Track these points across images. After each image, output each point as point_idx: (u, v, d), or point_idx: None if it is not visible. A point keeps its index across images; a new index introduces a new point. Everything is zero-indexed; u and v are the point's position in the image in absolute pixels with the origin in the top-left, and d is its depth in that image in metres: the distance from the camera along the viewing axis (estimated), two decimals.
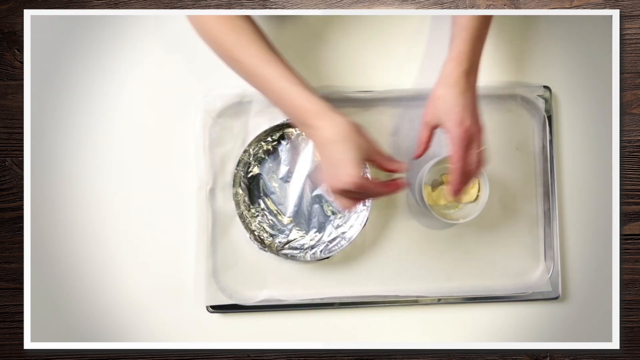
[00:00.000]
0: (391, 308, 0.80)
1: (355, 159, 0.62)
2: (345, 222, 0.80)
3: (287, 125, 0.79)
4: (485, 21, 0.69)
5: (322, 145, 0.64)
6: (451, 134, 0.67)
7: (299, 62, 0.80)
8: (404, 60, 0.81)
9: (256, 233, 0.79)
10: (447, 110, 0.67)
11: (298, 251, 0.79)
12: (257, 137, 0.78)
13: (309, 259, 0.78)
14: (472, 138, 0.66)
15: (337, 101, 0.78)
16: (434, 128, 0.71)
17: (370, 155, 0.65)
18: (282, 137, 0.80)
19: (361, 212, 0.78)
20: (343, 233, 0.79)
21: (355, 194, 0.64)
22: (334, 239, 0.79)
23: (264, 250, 0.78)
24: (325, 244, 0.79)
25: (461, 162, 0.67)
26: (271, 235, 0.80)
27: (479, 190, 0.77)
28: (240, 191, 0.79)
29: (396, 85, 0.80)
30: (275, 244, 0.79)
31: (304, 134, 0.78)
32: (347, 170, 0.62)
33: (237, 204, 0.78)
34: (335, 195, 0.66)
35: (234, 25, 0.66)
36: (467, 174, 0.68)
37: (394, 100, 0.80)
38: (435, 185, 0.80)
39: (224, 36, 0.66)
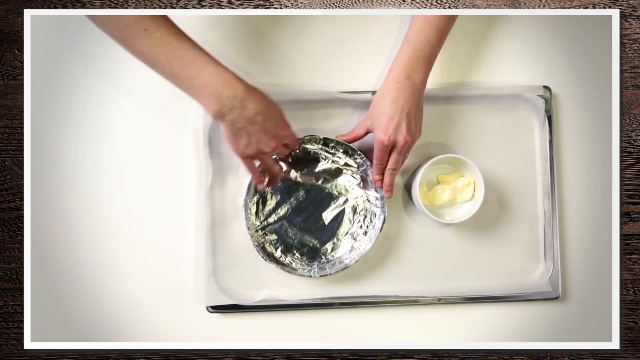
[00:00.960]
0: (391, 308, 0.80)
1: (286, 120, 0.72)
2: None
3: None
4: (434, 35, 0.72)
5: (255, 114, 0.68)
6: (375, 139, 0.73)
7: (290, 61, 0.80)
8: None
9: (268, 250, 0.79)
10: (376, 118, 0.73)
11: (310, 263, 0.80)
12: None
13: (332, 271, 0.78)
14: (393, 146, 0.73)
15: (326, 102, 0.79)
16: (368, 131, 0.76)
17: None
18: None
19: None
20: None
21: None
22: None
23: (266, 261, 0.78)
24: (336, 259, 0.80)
25: (377, 163, 0.75)
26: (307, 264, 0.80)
27: (474, 190, 0.77)
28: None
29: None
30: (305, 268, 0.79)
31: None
32: (287, 128, 0.72)
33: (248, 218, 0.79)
34: (264, 160, 0.74)
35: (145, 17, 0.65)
36: (382, 173, 0.76)
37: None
38: (431, 185, 0.79)
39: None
